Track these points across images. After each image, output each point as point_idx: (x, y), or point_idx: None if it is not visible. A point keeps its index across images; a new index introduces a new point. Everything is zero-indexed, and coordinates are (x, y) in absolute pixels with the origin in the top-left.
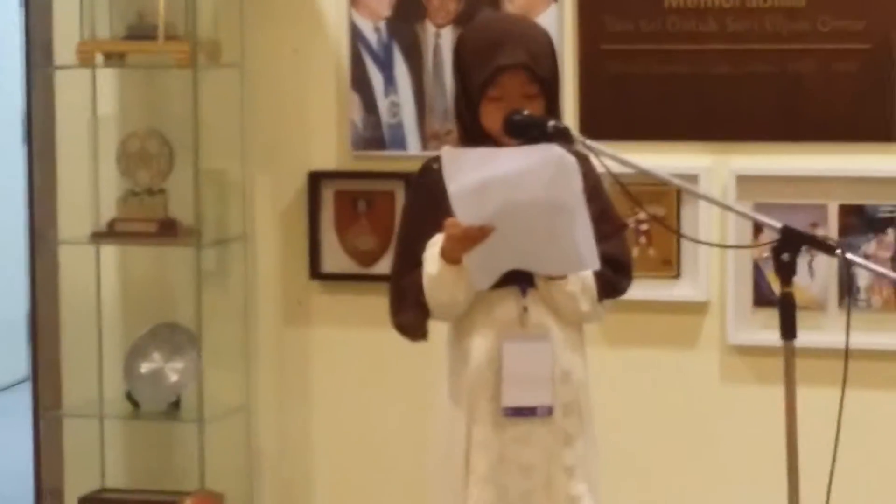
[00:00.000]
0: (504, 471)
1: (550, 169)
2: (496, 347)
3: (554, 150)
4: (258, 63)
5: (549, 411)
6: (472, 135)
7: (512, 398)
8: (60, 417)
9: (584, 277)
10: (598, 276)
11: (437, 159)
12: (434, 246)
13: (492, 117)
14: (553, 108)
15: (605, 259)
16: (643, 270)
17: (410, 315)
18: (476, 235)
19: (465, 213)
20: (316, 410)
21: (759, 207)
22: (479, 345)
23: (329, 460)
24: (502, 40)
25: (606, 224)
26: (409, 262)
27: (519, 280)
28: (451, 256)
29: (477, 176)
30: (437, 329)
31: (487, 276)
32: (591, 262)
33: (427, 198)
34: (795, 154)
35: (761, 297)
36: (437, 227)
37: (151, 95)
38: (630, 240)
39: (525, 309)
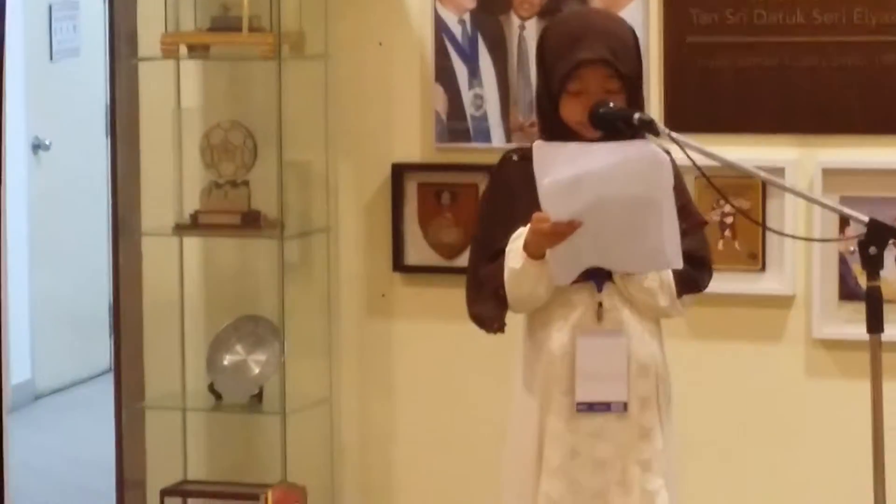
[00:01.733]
0: (577, 465)
1: (644, 165)
2: (571, 342)
3: (649, 147)
4: (342, 55)
5: (623, 407)
6: (553, 128)
7: (586, 393)
8: (143, 409)
9: (662, 273)
10: (678, 272)
11: (515, 151)
12: (517, 239)
13: (572, 111)
14: (635, 103)
15: (686, 255)
16: (728, 264)
17: (488, 306)
18: (564, 231)
19: (555, 207)
20: (398, 403)
21: (846, 201)
22: (555, 338)
23: (411, 453)
24: (584, 35)
25: (687, 220)
26: (487, 253)
27: (595, 274)
28: (535, 251)
29: (570, 171)
30: (515, 321)
31: (569, 271)
32: (675, 260)
33: (505, 190)
34: (883, 147)
35: (847, 291)
36: (515, 219)
37: (235, 87)
38: (715, 233)
39: (600, 304)
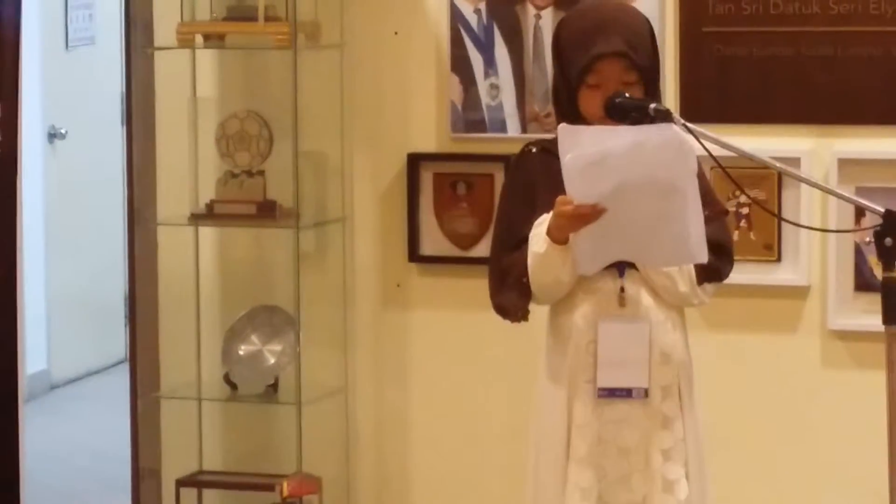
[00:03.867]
0: (602, 452)
1: (668, 148)
2: (594, 328)
3: (673, 130)
4: (358, 45)
5: (644, 393)
6: (570, 120)
7: (607, 379)
8: (158, 399)
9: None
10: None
11: (535, 143)
12: (541, 225)
13: (589, 103)
14: (652, 94)
15: (708, 243)
16: (744, 254)
17: (512, 296)
18: (587, 213)
19: (578, 189)
20: (414, 393)
21: (862, 191)
22: (578, 326)
23: (427, 443)
24: (601, 28)
25: (708, 208)
26: (509, 243)
27: (618, 260)
28: (558, 236)
29: (593, 153)
30: (536, 310)
31: (593, 261)
32: (699, 253)
33: (526, 181)
34: None
35: (863, 282)
36: (536, 210)
37: (251, 77)
38: (731, 224)
39: (622, 289)
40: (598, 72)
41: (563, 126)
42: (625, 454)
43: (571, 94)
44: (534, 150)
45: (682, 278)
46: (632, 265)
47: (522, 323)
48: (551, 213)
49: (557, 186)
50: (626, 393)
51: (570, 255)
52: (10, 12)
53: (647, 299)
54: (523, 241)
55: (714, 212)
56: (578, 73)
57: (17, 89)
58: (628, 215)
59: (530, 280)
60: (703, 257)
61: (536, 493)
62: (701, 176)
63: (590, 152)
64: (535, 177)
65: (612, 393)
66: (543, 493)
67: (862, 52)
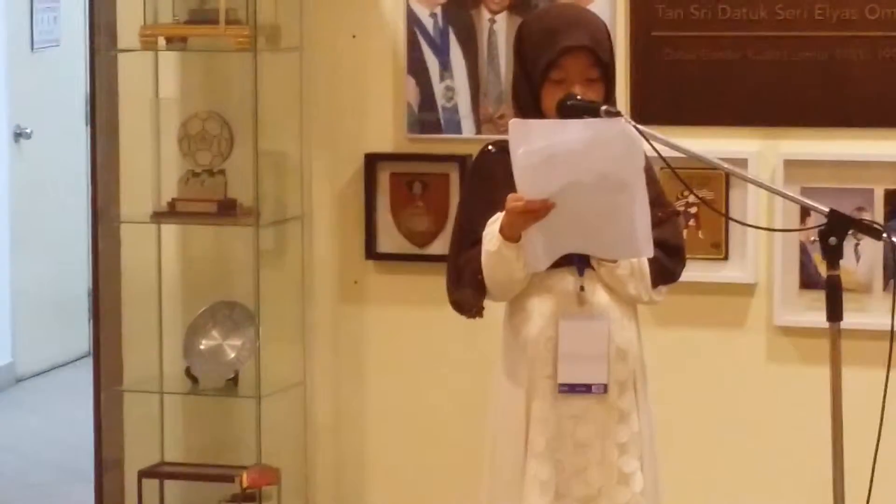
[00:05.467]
0: (559, 446)
1: (618, 143)
2: (553, 326)
3: (622, 124)
4: (317, 47)
5: (604, 389)
6: (531, 118)
7: (567, 375)
8: (121, 393)
9: (634, 261)
10: (653, 261)
11: (493, 143)
12: (494, 223)
13: (552, 100)
14: (610, 94)
15: (660, 244)
16: (692, 253)
17: (467, 293)
18: (538, 209)
19: (529, 185)
20: (371, 387)
21: (807, 191)
22: (537, 323)
23: (383, 436)
24: (564, 25)
25: (660, 209)
26: (466, 241)
27: (576, 259)
28: (510, 233)
29: (544, 148)
30: (491, 307)
31: (544, 257)
32: (645, 248)
33: (484, 180)
34: (843, 139)
35: (808, 280)
36: (494, 209)
37: (212, 78)
38: (680, 223)
39: (582, 288)
40: (563, 66)
41: (513, 121)
42: (582, 448)
43: (534, 91)
44: (492, 150)
45: (634, 280)
46: (590, 265)
47: (478, 319)
48: (504, 212)
49: (514, 186)
50: (585, 389)
51: (522, 252)
52: None
53: (604, 297)
54: (480, 240)
55: (666, 213)
56: (544, 69)
57: None
58: (577, 210)
59: (485, 277)
60: (649, 251)
61: (493, 486)
62: (652, 178)
63: (540, 147)
64: (494, 176)
65: (572, 388)
66: (501, 487)
67: (807, 57)
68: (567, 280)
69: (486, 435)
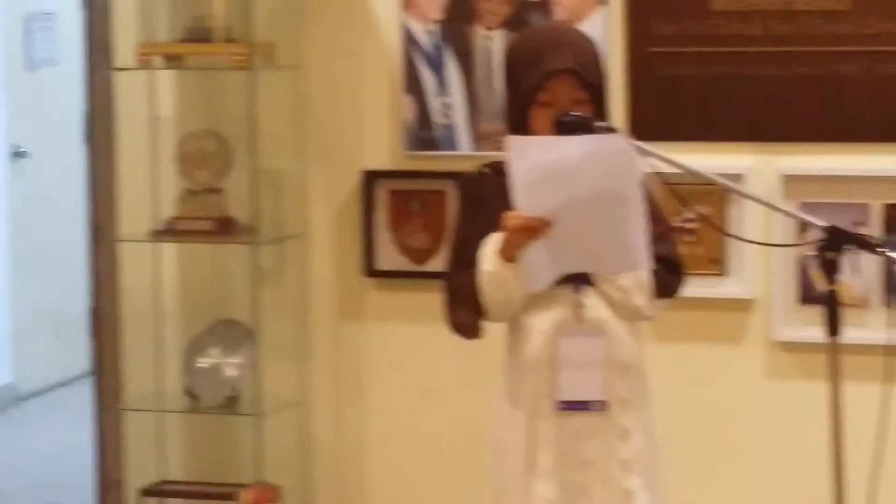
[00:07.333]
0: (563, 464)
1: (616, 158)
2: (553, 343)
3: (618, 140)
4: (314, 65)
5: (602, 406)
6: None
7: (566, 392)
8: (121, 411)
9: (638, 274)
10: (654, 275)
11: (488, 165)
12: (490, 243)
13: (541, 122)
14: (601, 113)
15: (660, 259)
16: (691, 268)
17: (465, 314)
18: (537, 227)
19: (528, 201)
20: (370, 404)
21: (804, 207)
22: (537, 341)
23: (383, 453)
24: (551, 48)
25: (658, 225)
26: (463, 262)
27: (574, 276)
28: (509, 252)
29: (542, 164)
30: (490, 325)
31: (544, 276)
32: (642, 261)
33: (479, 201)
34: (840, 154)
35: (806, 295)
36: (489, 229)
37: (209, 96)
38: (678, 239)
39: (581, 304)
40: (549, 90)
41: (512, 138)
42: (585, 466)
43: (523, 113)
44: (487, 171)
45: (638, 292)
46: (589, 281)
47: (476, 339)
48: (501, 232)
49: (509, 206)
50: (586, 406)
51: (520, 272)
52: None
53: (605, 313)
54: (475, 261)
55: (664, 228)
56: (530, 91)
57: None
58: (576, 226)
59: (483, 298)
60: (645, 265)
61: None
62: (650, 194)
63: (538, 163)
64: (489, 197)
65: (572, 406)
66: None
67: (803, 72)
68: (566, 296)
69: (488, 454)
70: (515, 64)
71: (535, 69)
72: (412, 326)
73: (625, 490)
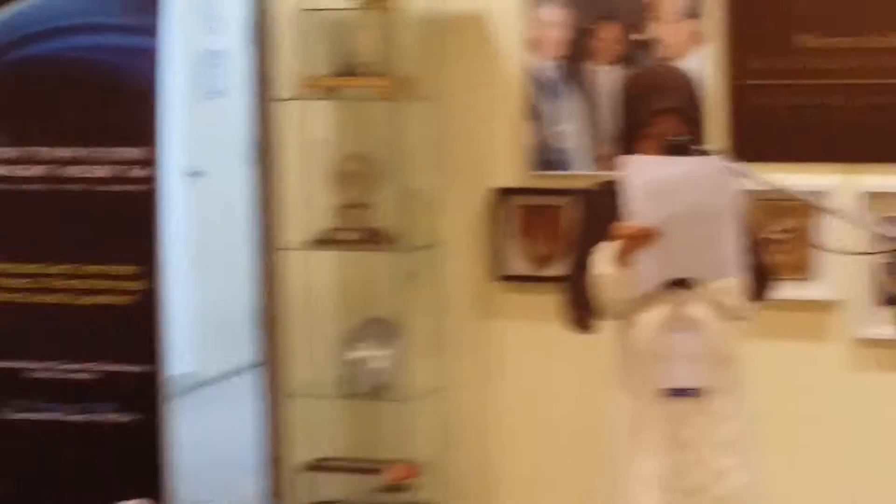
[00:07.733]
0: (665, 445)
1: (714, 178)
2: (659, 337)
3: (717, 162)
4: (451, 97)
5: (701, 393)
6: None
7: (671, 380)
8: (286, 397)
9: (732, 280)
10: (748, 280)
11: (602, 183)
12: (604, 250)
13: (647, 150)
14: (699, 140)
15: (754, 268)
16: (781, 274)
17: (582, 312)
18: (649, 234)
19: (641, 213)
20: (501, 391)
21: (888, 220)
22: (645, 336)
23: (512, 434)
24: (658, 88)
25: (750, 237)
26: (580, 267)
27: (677, 280)
28: (622, 258)
29: (654, 181)
30: (603, 322)
31: (651, 280)
32: (735, 269)
33: (594, 215)
34: None
35: (883, 297)
36: (602, 239)
37: (359, 123)
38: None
39: (683, 304)
40: (655, 124)
41: (630, 157)
42: (683, 447)
43: (632, 141)
44: (599, 189)
45: (737, 293)
46: (688, 285)
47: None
48: (613, 240)
49: (618, 218)
50: (687, 393)
51: (630, 276)
52: (146, 67)
53: (703, 312)
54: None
55: (754, 240)
56: (640, 125)
57: (153, 135)
58: (680, 236)
59: (599, 298)
60: (737, 272)
61: (614, 482)
62: (745, 209)
63: (652, 179)
64: (602, 212)
65: (676, 393)
66: (620, 483)
67: (876, 102)
68: (671, 296)
69: (605, 436)
70: (628, 100)
71: (644, 107)
72: (536, 323)
73: (717, 470)
